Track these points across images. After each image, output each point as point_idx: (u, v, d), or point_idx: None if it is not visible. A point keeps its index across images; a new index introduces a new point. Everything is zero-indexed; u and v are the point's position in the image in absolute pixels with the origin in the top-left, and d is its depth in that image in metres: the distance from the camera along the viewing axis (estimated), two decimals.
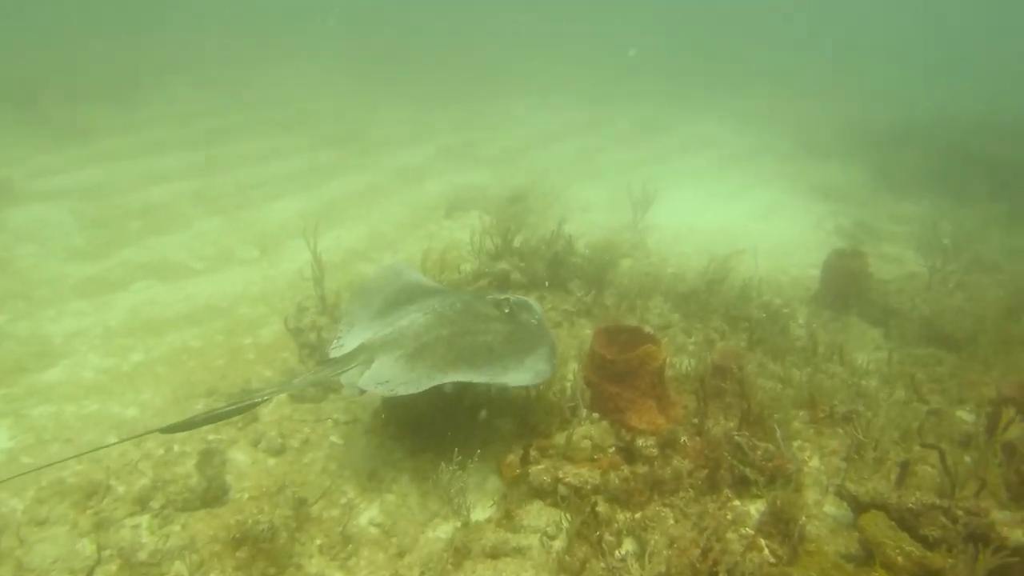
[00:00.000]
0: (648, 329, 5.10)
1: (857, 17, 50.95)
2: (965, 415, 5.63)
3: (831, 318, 7.93)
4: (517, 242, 8.18)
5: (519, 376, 4.65)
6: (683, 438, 4.81)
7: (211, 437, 5.58)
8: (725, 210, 12.00)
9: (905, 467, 4.34)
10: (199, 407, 6.08)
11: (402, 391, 4.55)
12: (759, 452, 4.53)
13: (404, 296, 5.68)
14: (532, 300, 5.59)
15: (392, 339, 4.99)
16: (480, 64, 25.88)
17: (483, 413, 5.35)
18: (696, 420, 4.96)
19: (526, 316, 5.30)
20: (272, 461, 5.38)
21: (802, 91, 26.04)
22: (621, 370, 4.82)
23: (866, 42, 41.48)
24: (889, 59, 35.57)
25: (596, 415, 5.00)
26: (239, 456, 5.40)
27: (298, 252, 9.42)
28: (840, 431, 5.10)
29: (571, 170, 13.76)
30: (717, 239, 10.47)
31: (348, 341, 5.22)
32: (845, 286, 8.08)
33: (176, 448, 5.45)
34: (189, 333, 7.40)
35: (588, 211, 11.47)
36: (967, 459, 4.67)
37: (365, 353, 4.90)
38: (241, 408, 4.56)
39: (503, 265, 7.66)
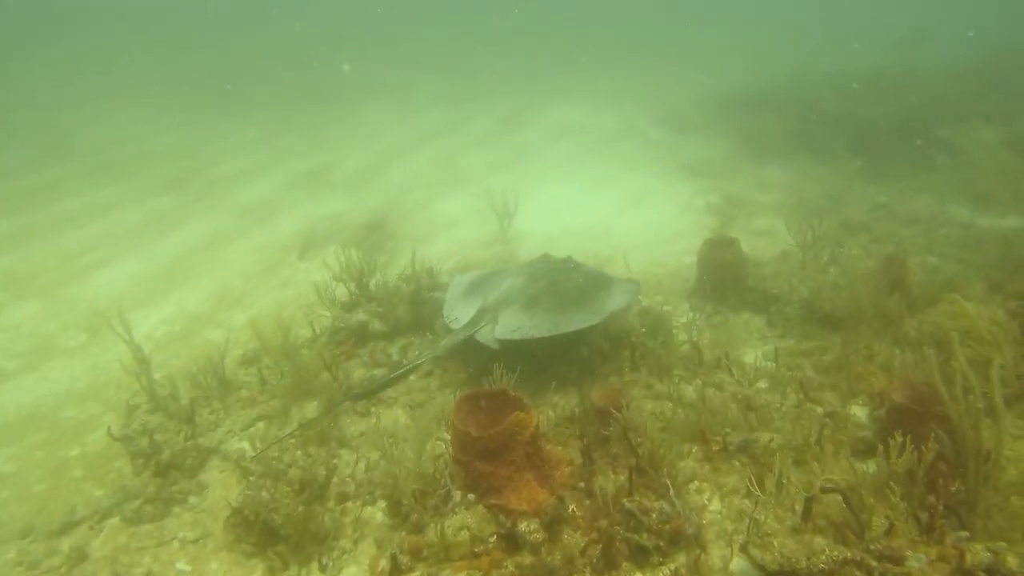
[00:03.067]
0: (513, 392, 4.50)
1: None
2: (859, 411, 5.38)
3: (712, 311, 7.64)
4: (373, 284, 7.45)
5: (618, 300, 5.89)
6: (571, 506, 4.27)
7: None
8: (595, 203, 11.63)
9: (810, 503, 3.95)
10: (10, 555, 5.06)
11: (536, 333, 5.48)
12: (653, 515, 4.03)
13: (481, 279, 6.66)
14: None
15: (503, 299, 5.92)
16: (330, 77, 24.53)
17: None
18: (583, 483, 4.43)
19: (583, 266, 6.46)
20: None
21: (662, 63, 26.29)
22: (489, 447, 4.20)
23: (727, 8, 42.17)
24: (749, 24, 36.34)
25: (472, 496, 4.38)
26: None
27: (135, 326, 8.33)
28: (737, 463, 4.68)
29: (433, 181, 13.05)
30: (591, 237, 10.09)
31: (460, 315, 6.09)
32: (721, 277, 7.80)
33: None
34: None
35: (455, 226, 10.81)
36: (870, 471, 4.37)
37: (488, 313, 5.83)
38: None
39: (359, 316, 6.90)
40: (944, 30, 24.44)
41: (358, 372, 6.44)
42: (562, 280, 6.03)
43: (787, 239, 9.80)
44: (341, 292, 7.31)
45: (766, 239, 9.84)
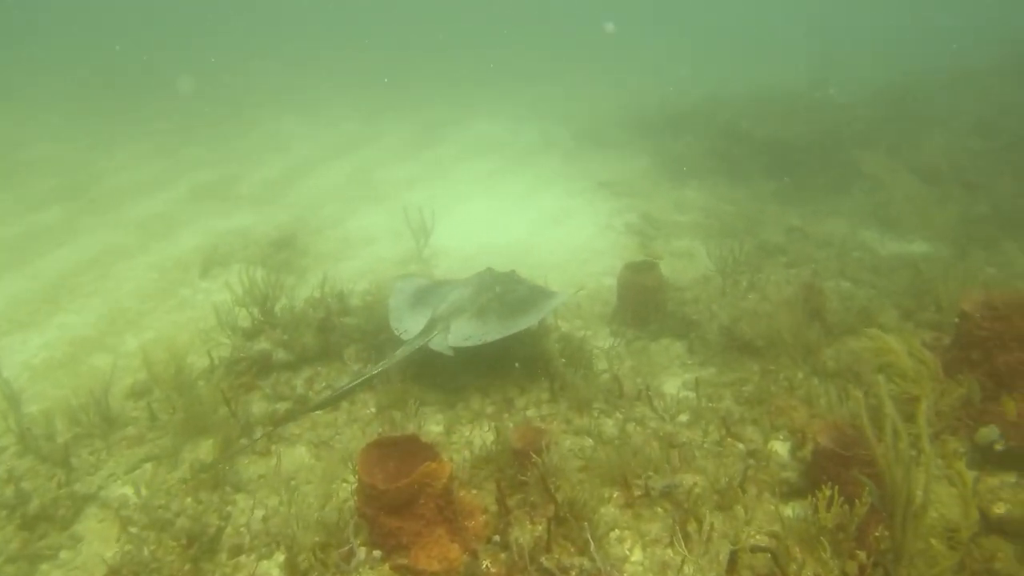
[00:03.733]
0: (425, 439, 4.15)
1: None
2: (781, 447, 5.27)
3: (633, 337, 7.48)
4: (279, 309, 6.96)
5: (552, 304, 6.34)
6: (485, 563, 3.96)
7: None
8: (515, 220, 11.39)
9: (735, 555, 3.76)
10: None
11: (489, 338, 5.83)
12: (573, 573, 3.75)
13: (424, 290, 6.90)
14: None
15: (454, 308, 6.22)
16: (246, 84, 23.43)
17: None
18: (498, 536, 4.12)
19: (528, 281, 6.84)
20: None
21: (585, 78, 26.35)
22: (397, 500, 3.84)
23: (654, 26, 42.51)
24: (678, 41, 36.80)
25: (377, 554, 4.01)
26: None
27: (11, 353, 7.54)
28: (660, 510, 4.47)
29: (349, 195, 12.52)
30: (511, 256, 9.82)
31: (410, 326, 6.27)
32: (642, 302, 7.66)
33: None
34: None
35: (370, 244, 10.35)
36: (795, 514, 4.24)
37: (440, 323, 6.09)
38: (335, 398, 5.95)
39: (262, 344, 6.40)
40: (863, 52, 25.53)
41: (259, 406, 5.94)
42: (508, 292, 6.45)
43: (706, 262, 9.86)
44: (244, 316, 6.79)
45: (685, 261, 9.82)
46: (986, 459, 4.74)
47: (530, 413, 5.95)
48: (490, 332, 5.93)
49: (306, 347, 6.46)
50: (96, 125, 17.12)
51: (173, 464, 5.46)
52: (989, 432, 4.66)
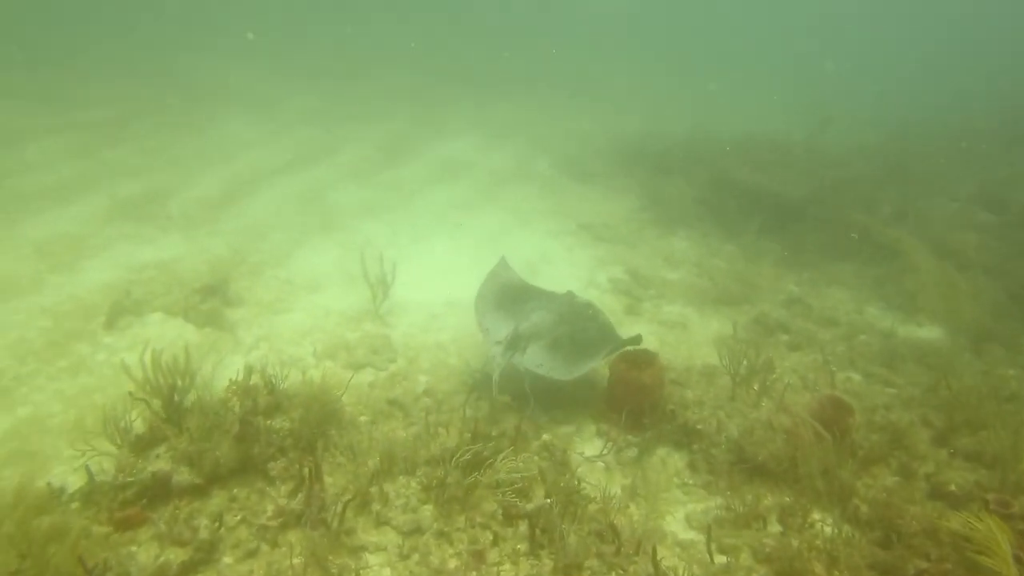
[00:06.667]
0: None
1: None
2: None
3: (624, 443, 6.26)
4: (190, 402, 5.50)
5: (614, 351, 6.40)
6: None
7: None
8: (487, 268, 10.05)
9: None
10: None
11: (554, 375, 6.17)
12: None
13: (512, 292, 7.29)
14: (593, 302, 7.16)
15: (534, 332, 6.50)
16: (192, 76, 21.29)
17: None
18: None
19: (601, 316, 6.87)
20: None
21: (562, 97, 25.03)
22: None
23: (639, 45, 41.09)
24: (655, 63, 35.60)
25: None
26: None
27: None
28: None
29: (297, 221, 10.97)
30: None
31: (491, 325, 6.76)
32: (637, 401, 6.43)
33: None
34: None
35: (318, 290, 8.89)
36: None
37: (521, 341, 6.41)
38: None
39: (159, 463, 4.93)
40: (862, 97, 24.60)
41: (146, 554, 4.48)
42: (580, 330, 6.57)
43: (700, 333, 8.74)
44: (141, 412, 5.31)
45: (677, 333, 8.65)
46: None
47: (505, 571, 4.67)
48: (556, 370, 6.18)
49: (219, 463, 5.03)
50: (8, 110, 14.99)
51: None
52: None
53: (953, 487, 5.84)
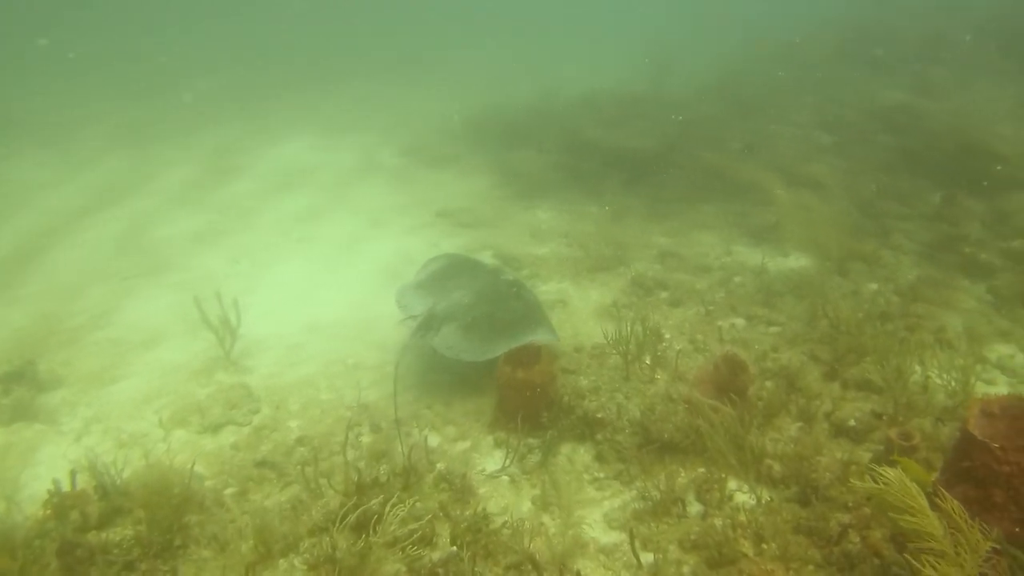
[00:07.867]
0: None
1: None
2: None
3: (526, 449, 5.79)
4: None
5: (540, 338, 6.23)
6: None
7: None
8: (344, 282, 9.22)
9: None
10: None
11: (465, 357, 6.13)
12: None
13: (442, 273, 7.24)
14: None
15: (449, 313, 6.48)
16: None
17: None
18: None
19: (526, 294, 6.88)
20: None
21: (406, 80, 23.89)
22: None
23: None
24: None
25: None
26: None
27: None
28: None
29: (118, 268, 9.57)
30: (347, 336, 7.78)
31: (410, 302, 6.85)
32: (531, 403, 5.95)
33: None
34: None
35: (156, 344, 7.75)
36: None
37: (435, 321, 6.41)
38: None
39: None
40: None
41: None
42: (502, 309, 6.46)
43: (580, 305, 8.38)
44: None
45: (559, 312, 8.21)
46: None
47: None
48: (468, 351, 6.13)
49: None
50: None
51: None
52: None
53: (852, 422, 5.83)
